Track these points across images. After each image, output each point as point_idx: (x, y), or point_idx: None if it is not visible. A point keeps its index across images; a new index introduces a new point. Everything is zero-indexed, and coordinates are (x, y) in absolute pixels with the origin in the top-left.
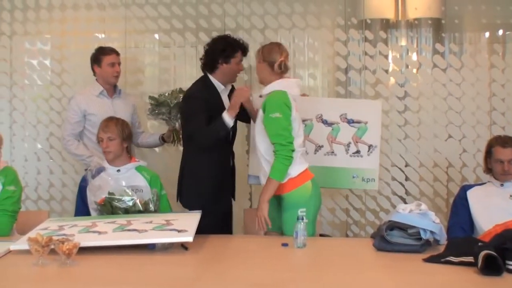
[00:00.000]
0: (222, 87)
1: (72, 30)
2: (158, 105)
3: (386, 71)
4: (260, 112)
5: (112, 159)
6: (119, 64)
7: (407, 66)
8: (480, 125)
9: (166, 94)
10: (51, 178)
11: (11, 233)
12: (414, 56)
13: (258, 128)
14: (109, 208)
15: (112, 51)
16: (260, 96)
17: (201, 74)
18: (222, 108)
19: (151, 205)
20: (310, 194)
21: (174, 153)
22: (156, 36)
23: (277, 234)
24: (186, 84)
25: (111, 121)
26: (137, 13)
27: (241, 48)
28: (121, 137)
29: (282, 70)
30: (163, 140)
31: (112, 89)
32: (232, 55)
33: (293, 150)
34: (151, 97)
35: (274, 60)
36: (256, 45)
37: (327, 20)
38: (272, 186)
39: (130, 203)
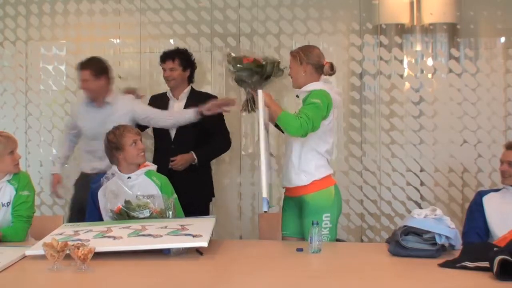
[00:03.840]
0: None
1: (88, 36)
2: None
3: (401, 76)
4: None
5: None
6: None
7: (422, 71)
8: (495, 130)
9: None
10: (66, 183)
11: (26, 239)
12: (429, 61)
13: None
14: (126, 217)
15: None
16: (297, 96)
17: (216, 79)
18: None
19: (168, 214)
20: (333, 199)
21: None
22: (171, 41)
23: (294, 239)
24: (202, 89)
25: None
26: (152, 19)
27: None
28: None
29: (333, 72)
30: (202, 115)
31: (102, 98)
32: None
33: (305, 134)
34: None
35: (321, 62)
36: (271, 50)
37: (342, 25)
38: (275, 112)
39: (148, 214)
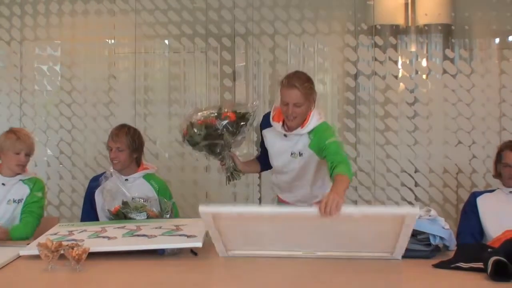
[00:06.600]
0: None
1: (82, 36)
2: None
3: (396, 77)
4: (309, 151)
5: (119, 170)
6: None
7: (416, 72)
8: (490, 131)
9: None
10: (60, 184)
11: (33, 237)
12: (423, 62)
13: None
14: (122, 218)
15: None
16: (285, 136)
17: (211, 79)
18: None
19: (165, 217)
20: None
21: (189, 157)
22: (166, 41)
23: None
24: (196, 90)
25: (122, 130)
26: (147, 19)
27: None
28: (131, 148)
29: None
30: None
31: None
32: None
33: None
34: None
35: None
36: (266, 51)
37: (337, 26)
38: (348, 183)
39: (144, 217)
